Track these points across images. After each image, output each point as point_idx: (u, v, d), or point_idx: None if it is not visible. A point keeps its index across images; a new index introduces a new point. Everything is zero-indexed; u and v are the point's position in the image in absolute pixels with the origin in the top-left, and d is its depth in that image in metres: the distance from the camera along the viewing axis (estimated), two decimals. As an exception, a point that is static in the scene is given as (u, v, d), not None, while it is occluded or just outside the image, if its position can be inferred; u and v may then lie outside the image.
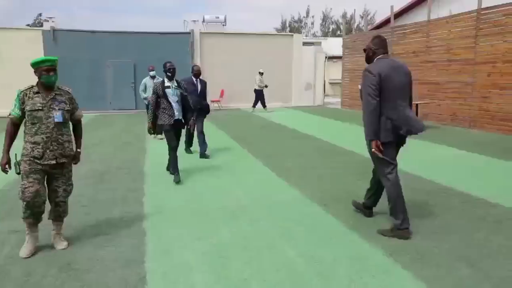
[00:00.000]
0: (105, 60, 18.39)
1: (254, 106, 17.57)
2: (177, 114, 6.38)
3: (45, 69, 3.88)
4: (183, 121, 6.52)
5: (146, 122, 6.72)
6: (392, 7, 15.32)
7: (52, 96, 3.95)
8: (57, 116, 3.92)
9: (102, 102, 18.50)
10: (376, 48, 4.22)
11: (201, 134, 8.14)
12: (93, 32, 18.62)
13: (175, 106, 6.35)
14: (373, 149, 4.09)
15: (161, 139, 10.06)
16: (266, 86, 17.37)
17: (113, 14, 66.13)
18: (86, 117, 16.79)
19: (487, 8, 10.76)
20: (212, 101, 17.39)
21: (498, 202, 5.15)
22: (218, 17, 22.64)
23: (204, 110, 8.08)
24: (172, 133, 6.36)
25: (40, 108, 3.85)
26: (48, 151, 3.86)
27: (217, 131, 11.70)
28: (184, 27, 21.91)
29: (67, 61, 17.91)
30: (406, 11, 19.42)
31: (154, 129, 6.49)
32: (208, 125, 10.20)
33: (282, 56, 20.78)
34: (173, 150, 6.42)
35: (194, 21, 20.61)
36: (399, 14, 18.89)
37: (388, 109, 4.03)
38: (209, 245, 4.07)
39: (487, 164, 7.38)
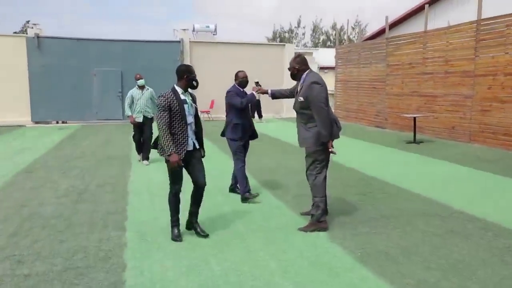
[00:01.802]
0: (91, 68, 17.76)
1: (260, 116, 17.28)
2: (191, 142, 4.47)
3: None
4: (201, 150, 4.66)
5: (165, 153, 4.31)
6: (387, 17, 15.00)
7: None
8: None
9: (88, 111, 17.85)
10: (299, 66, 4.82)
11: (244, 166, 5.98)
12: (78, 39, 18.02)
13: (190, 129, 4.42)
14: (330, 149, 4.69)
15: (147, 164, 8.69)
16: (257, 83, 15.63)
17: (101, 22, 65.42)
18: (70, 127, 16.23)
19: (488, 19, 10.43)
20: (202, 112, 16.88)
21: (517, 229, 4.68)
22: (208, 26, 22.25)
23: (254, 132, 6.15)
24: (180, 169, 4.40)
25: None
26: None
27: (205, 144, 11.13)
28: (173, 35, 21.42)
29: (51, 68, 17.40)
30: (401, 22, 19.18)
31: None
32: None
33: (273, 66, 20.37)
34: (175, 194, 4.48)
35: (184, 29, 20.14)
36: (393, 25, 18.63)
37: (330, 113, 4.74)
38: (197, 282, 3.51)
39: (495, 183, 6.93)
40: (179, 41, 19.19)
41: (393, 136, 12.64)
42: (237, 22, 66.83)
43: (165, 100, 4.24)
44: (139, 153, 9.01)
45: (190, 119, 4.41)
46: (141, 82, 8.80)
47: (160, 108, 4.25)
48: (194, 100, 4.57)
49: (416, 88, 13.05)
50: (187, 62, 19.00)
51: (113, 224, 4.97)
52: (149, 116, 8.78)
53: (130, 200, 6.02)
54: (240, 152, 5.92)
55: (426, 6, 13.54)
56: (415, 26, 17.03)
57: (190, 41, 19.55)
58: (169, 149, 4.20)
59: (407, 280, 3.53)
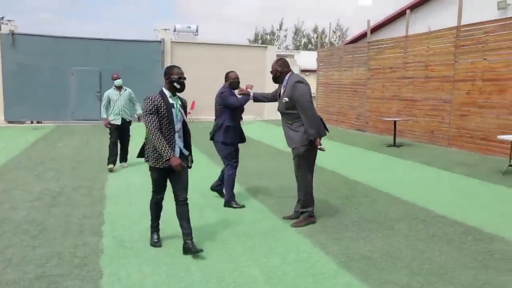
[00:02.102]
0: (68, 67, 17.35)
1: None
2: (178, 150, 4.08)
3: None
4: (188, 157, 4.23)
5: (159, 159, 3.99)
6: (368, 21, 15.11)
7: None
8: None
9: (65, 111, 17.42)
10: (282, 69, 4.93)
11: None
12: (56, 37, 17.61)
13: (177, 135, 4.09)
14: (319, 146, 4.80)
15: (125, 167, 8.34)
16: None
17: (80, 21, 64.33)
18: (45, 127, 15.80)
19: (467, 25, 10.58)
20: (183, 113, 16.67)
21: (497, 234, 4.70)
22: (189, 27, 22.04)
23: (243, 135, 5.92)
24: (164, 178, 4.14)
25: None
26: None
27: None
28: (154, 35, 21.14)
29: (26, 67, 16.92)
30: (382, 26, 19.35)
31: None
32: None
33: (255, 68, 20.28)
34: (157, 203, 4.30)
35: (165, 29, 19.89)
36: (375, 29, 18.78)
37: (315, 112, 4.87)
38: (178, 290, 3.39)
39: (474, 187, 7.00)
40: (160, 41, 18.94)
41: (374, 140, 12.72)
42: (218, 23, 66.64)
43: (151, 103, 3.90)
44: (111, 162, 8.04)
45: (178, 125, 4.06)
46: (118, 82, 8.15)
47: (147, 112, 3.90)
48: (183, 105, 4.19)
49: (396, 92, 13.17)
50: (168, 62, 18.75)
51: (89, 229, 4.80)
52: (127, 119, 8.24)
53: (107, 203, 5.83)
54: (232, 157, 5.72)
55: (408, 11, 13.69)
56: (396, 31, 17.21)
57: (171, 41, 19.32)
58: (166, 153, 3.86)
59: (391, 285, 3.48)
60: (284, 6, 64.60)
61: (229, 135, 5.61)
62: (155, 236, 4.35)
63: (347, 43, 20.80)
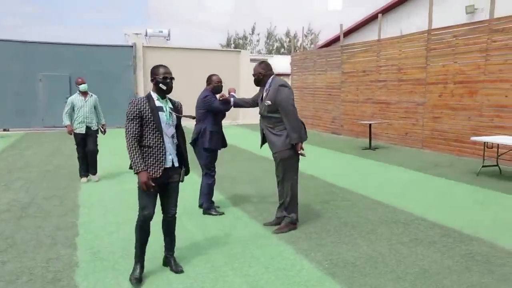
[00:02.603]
0: (37, 72, 16.83)
1: None
2: (170, 158, 3.72)
3: None
4: (180, 168, 3.84)
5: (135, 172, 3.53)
6: (341, 25, 15.26)
7: None
8: None
9: (33, 118, 16.90)
10: (265, 72, 4.88)
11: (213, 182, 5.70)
12: (23, 42, 17.07)
13: (169, 142, 3.71)
14: (300, 151, 4.75)
15: (96, 180, 7.64)
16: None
17: (49, 26, 62.74)
18: (14, 135, 15.25)
19: (438, 29, 10.80)
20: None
21: (476, 235, 4.74)
22: (161, 31, 21.82)
23: (225, 141, 5.78)
24: (153, 193, 3.64)
25: None
26: None
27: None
28: (125, 40, 20.78)
29: (-8, 73, 16.33)
30: (355, 30, 19.58)
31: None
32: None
33: (229, 72, 20.14)
34: (145, 221, 3.66)
35: (137, 34, 19.57)
36: (348, 33, 18.99)
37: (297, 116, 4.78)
38: (159, 304, 3.25)
39: (451, 188, 7.10)
40: (132, 46, 18.61)
41: (349, 143, 12.80)
42: (190, 27, 66.11)
43: (134, 107, 3.53)
44: (84, 174, 7.60)
45: (170, 130, 3.69)
46: (83, 87, 7.47)
47: (128, 117, 3.54)
48: (176, 108, 3.81)
49: (370, 95, 13.31)
50: (140, 67, 18.44)
51: (62, 241, 4.58)
52: (93, 128, 7.58)
53: (81, 214, 5.59)
54: (212, 166, 5.58)
55: (379, 15, 13.88)
56: (367, 35, 17.45)
57: (143, 46, 19.02)
58: (137, 166, 3.47)
59: (377, 292, 3.44)
60: (256, 10, 64.78)
61: (213, 141, 5.47)
62: (138, 270, 3.66)
63: (320, 47, 20.96)
